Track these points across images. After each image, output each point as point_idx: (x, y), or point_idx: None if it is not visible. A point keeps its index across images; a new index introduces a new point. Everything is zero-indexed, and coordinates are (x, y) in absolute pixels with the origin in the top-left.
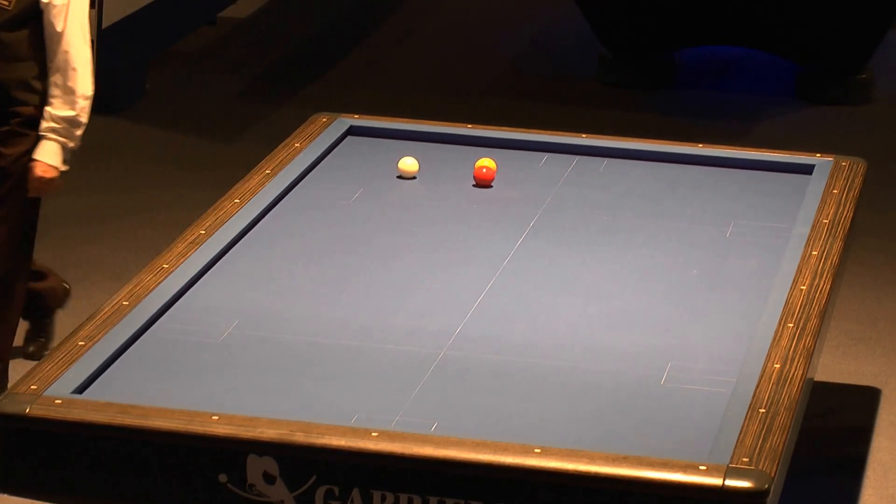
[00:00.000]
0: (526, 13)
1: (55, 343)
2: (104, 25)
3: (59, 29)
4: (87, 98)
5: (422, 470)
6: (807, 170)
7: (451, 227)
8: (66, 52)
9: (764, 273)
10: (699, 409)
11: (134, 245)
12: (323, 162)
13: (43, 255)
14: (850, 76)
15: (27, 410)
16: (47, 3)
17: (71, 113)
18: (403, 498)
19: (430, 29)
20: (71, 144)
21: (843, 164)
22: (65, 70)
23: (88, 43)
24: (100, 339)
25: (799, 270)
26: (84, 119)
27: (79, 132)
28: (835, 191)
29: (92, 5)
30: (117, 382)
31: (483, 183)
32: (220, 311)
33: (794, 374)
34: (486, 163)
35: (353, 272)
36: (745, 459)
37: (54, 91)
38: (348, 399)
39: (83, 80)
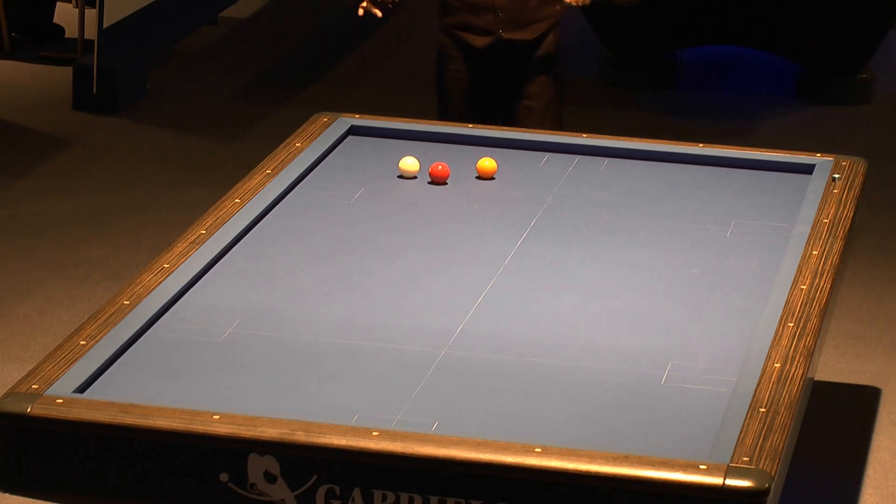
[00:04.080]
0: None
1: (57, 343)
2: (105, 25)
3: None
4: None
5: (423, 469)
6: (807, 169)
7: (451, 227)
8: None
9: (764, 272)
10: (700, 408)
11: (135, 245)
12: (324, 162)
13: (43, 255)
14: (851, 76)
15: (28, 410)
16: None
17: None
18: (404, 497)
19: (431, 29)
20: None
21: (844, 163)
22: None
23: None
24: (101, 338)
25: (799, 270)
26: None
27: None
28: (835, 190)
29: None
30: (118, 382)
31: (438, 180)
32: (221, 311)
33: (794, 374)
34: (485, 162)
35: (354, 271)
36: (745, 459)
37: None
38: (349, 398)
39: None
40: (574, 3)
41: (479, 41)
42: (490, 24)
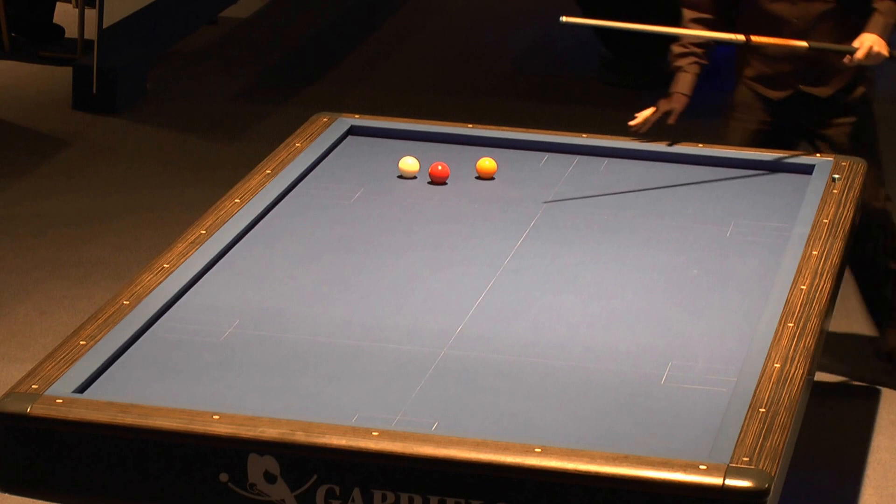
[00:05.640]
0: (526, 13)
1: (57, 343)
2: (105, 25)
3: None
4: None
5: (422, 469)
6: (807, 170)
7: (451, 227)
8: None
9: (764, 272)
10: (699, 408)
11: (135, 245)
12: (324, 162)
13: (43, 255)
14: None
15: (28, 410)
16: None
17: None
18: (404, 497)
19: (430, 29)
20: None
21: (844, 163)
22: None
23: None
24: (101, 338)
25: (799, 270)
26: None
27: None
28: (835, 191)
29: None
30: (118, 382)
31: (438, 180)
32: (220, 311)
33: (794, 374)
34: (485, 162)
35: (354, 272)
36: (745, 459)
37: None
38: (349, 398)
39: None
40: (864, 57)
41: (775, 94)
42: (787, 75)
